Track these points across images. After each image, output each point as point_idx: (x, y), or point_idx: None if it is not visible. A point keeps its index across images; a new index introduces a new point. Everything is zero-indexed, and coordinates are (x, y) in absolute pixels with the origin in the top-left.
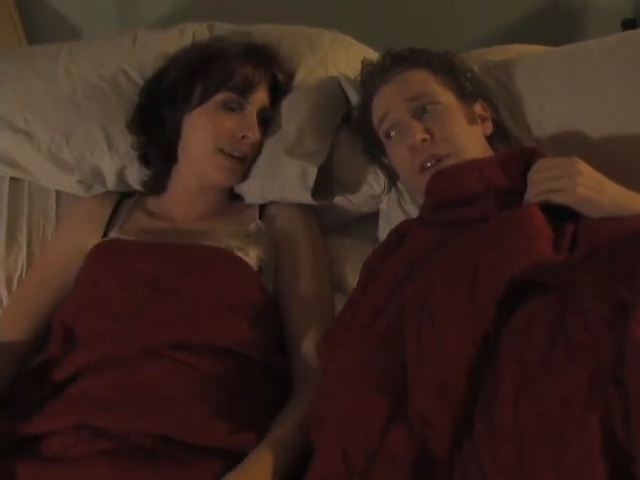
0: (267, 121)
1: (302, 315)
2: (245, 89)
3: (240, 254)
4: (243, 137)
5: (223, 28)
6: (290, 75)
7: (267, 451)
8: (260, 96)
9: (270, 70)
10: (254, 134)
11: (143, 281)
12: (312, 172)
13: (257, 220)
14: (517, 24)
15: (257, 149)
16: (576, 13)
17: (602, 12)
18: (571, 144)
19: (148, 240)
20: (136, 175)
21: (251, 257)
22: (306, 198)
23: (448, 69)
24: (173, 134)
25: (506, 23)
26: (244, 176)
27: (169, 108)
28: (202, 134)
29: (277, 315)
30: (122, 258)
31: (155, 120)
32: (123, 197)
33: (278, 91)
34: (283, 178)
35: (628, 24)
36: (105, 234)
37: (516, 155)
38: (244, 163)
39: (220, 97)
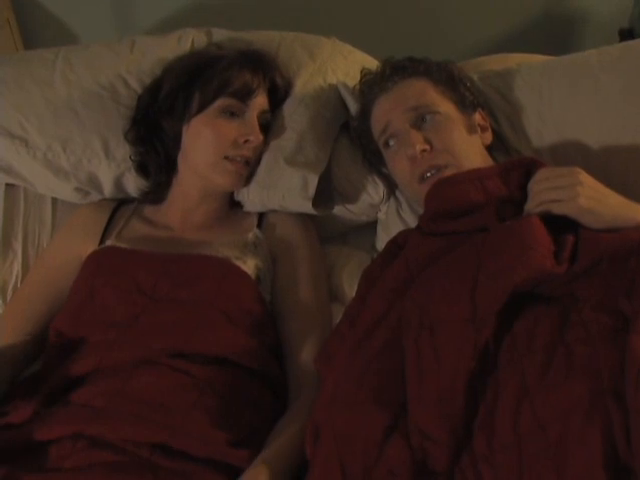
0: (267, 125)
1: (299, 325)
2: (244, 94)
3: (238, 263)
4: (246, 141)
5: (221, 34)
6: (288, 79)
7: (263, 467)
8: (259, 101)
9: (268, 75)
10: (256, 137)
11: (141, 291)
12: (313, 181)
13: (255, 229)
14: (515, 33)
15: (259, 153)
16: (573, 22)
17: (599, 21)
18: (571, 154)
19: (146, 249)
20: (133, 183)
21: (249, 266)
22: (307, 207)
23: (447, 79)
24: (173, 144)
25: (504, 32)
26: (247, 181)
27: (168, 118)
28: (204, 141)
29: (274, 324)
30: (120, 267)
31: (153, 131)
32: (121, 204)
33: (277, 95)
34: (284, 187)
35: (625, 33)
36: (102, 241)
37: (516, 165)
38: (248, 166)
39: (220, 103)
